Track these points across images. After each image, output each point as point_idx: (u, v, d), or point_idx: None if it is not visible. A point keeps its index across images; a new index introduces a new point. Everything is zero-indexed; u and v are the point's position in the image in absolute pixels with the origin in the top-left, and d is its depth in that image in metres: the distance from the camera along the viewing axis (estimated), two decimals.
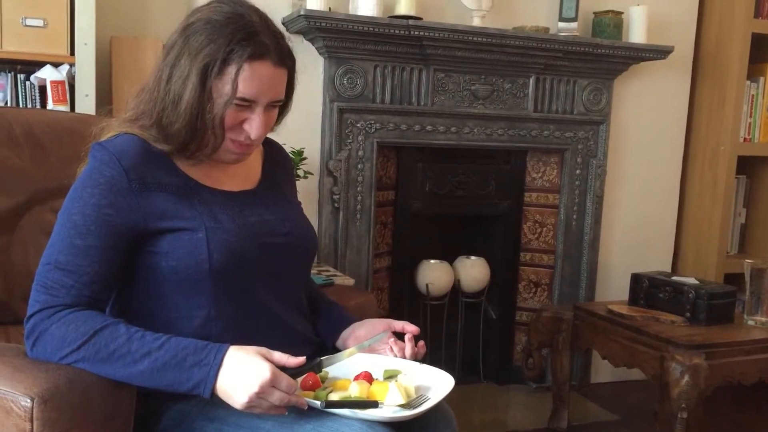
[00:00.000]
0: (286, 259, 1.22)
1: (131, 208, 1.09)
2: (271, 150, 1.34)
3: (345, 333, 1.29)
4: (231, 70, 1.07)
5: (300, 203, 1.36)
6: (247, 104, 1.11)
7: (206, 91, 1.08)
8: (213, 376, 0.98)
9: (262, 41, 1.09)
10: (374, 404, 1.03)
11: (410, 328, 1.22)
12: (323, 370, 1.13)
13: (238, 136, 1.13)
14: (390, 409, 1.04)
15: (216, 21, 1.09)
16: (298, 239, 1.24)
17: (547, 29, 2.57)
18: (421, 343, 1.23)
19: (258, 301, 1.17)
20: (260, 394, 0.96)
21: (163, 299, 1.13)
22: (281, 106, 1.19)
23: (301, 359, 1.02)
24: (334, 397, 1.05)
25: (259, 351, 1.00)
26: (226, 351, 1.00)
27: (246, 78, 1.08)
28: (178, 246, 1.10)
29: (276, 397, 0.97)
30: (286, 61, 1.13)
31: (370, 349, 1.22)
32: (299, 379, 1.06)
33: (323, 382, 1.11)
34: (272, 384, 0.97)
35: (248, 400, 0.96)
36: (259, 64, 1.08)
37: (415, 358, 1.21)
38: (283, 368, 1.00)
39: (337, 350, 1.27)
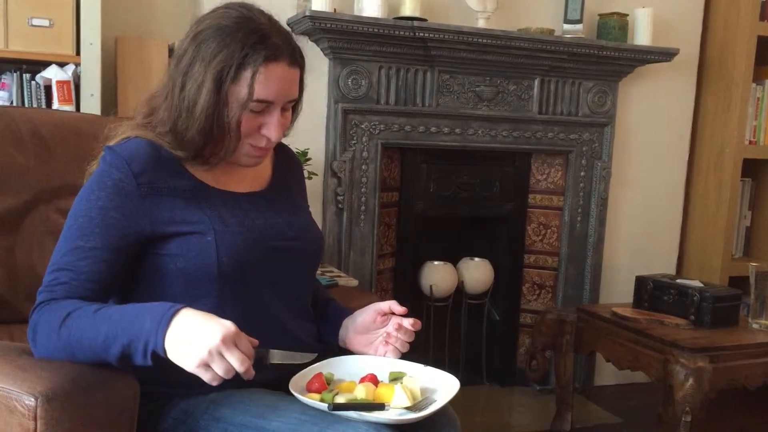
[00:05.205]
0: (293, 264, 1.22)
1: (138, 212, 1.09)
2: (284, 155, 1.35)
3: (341, 334, 1.29)
4: (247, 74, 1.08)
5: (308, 207, 1.36)
6: (264, 107, 1.11)
7: (222, 96, 1.08)
8: (166, 321, 0.94)
9: (275, 43, 1.10)
10: (381, 407, 1.03)
11: (398, 309, 1.21)
12: (330, 373, 1.14)
13: (259, 142, 1.15)
14: (396, 411, 1.04)
15: (226, 26, 1.09)
16: (305, 244, 1.25)
17: (552, 31, 2.57)
18: (413, 320, 1.20)
19: (263, 305, 1.17)
20: (221, 348, 0.92)
21: (167, 301, 1.12)
22: (293, 107, 1.20)
23: (254, 341, 0.99)
24: (340, 399, 1.05)
25: None
26: (184, 306, 0.97)
27: (262, 80, 1.08)
28: (188, 249, 1.10)
29: (236, 356, 0.93)
30: (299, 60, 1.15)
31: (368, 338, 1.23)
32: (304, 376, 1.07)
33: (329, 384, 1.11)
34: (234, 339, 0.94)
35: (207, 353, 0.92)
36: (275, 65, 1.09)
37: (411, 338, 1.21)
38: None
39: (340, 349, 1.28)
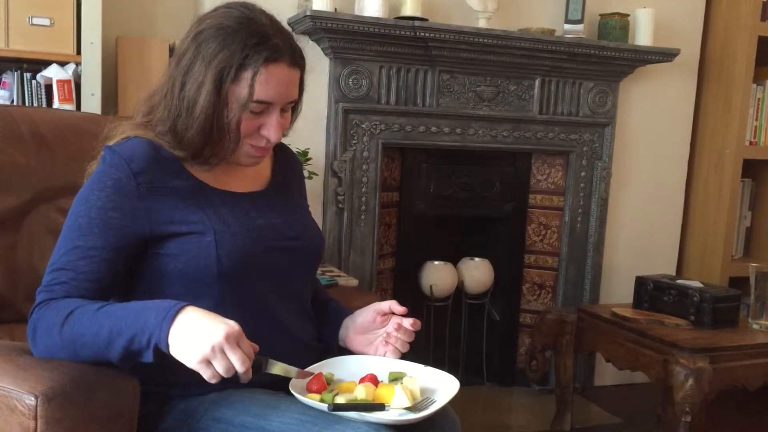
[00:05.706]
0: (293, 264, 1.22)
1: (137, 212, 1.09)
2: (284, 155, 1.35)
3: (341, 334, 1.28)
4: (247, 74, 1.08)
5: (308, 206, 1.36)
6: (264, 107, 1.11)
7: (222, 96, 1.08)
8: (171, 316, 0.95)
9: (276, 44, 1.10)
10: (381, 407, 1.03)
11: (398, 309, 1.21)
12: (330, 373, 1.13)
13: (258, 142, 1.15)
14: (396, 411, 1.04)
15: (227, 26, 1.09)
16: (306, 244, 1.25)
17: (552, 31, 2.57)
18: (413, 320, 1.20)
19: (264, 305, 1.17)
20: (223, 345, 0.93)
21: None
22: (292, 108, 1.20)
23: (255, 346, 1.00)
24: (340, 399, 1.05)
25: None
26: (189, 304, 0.98)
27: (262, 81, 1.08)
28: (187, 249, 1.10)
29: (237, 356, 0.94)
30: (299, 61, 1.15)
31: (367, 338, 1.23)
32: (303, 380, 1.06)
33: (329, 384, 1.11)
34: (237, 339, 0.94)
35: (210, 350, 0.92)
36: (275, 66, 1.09)
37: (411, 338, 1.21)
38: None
39: (340, 349, 1.28)
